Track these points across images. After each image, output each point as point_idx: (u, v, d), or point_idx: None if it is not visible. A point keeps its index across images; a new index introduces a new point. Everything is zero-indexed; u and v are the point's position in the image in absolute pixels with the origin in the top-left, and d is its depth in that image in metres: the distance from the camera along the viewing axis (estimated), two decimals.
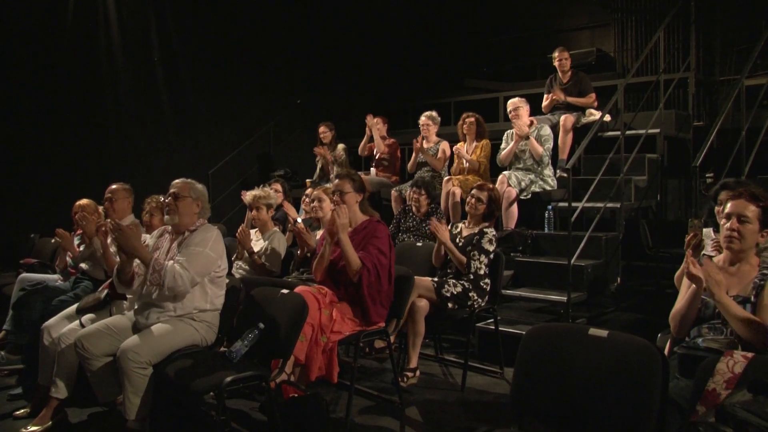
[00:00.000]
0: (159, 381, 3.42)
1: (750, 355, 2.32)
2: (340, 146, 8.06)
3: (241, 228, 5.19)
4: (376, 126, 7.68)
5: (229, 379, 3.13)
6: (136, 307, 3.76)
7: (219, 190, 8.70)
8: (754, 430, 1.81)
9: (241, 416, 4.03)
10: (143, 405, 3.35)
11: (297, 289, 3.83)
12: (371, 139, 7.83)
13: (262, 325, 3.43)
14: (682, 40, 8.63)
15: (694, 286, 2.81)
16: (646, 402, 2.32)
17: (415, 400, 4.30)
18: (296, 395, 3.71)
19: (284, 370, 3.61)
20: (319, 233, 4.76)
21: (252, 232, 5.36)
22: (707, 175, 6.61)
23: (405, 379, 4.48)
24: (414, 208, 6.00)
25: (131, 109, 8.49)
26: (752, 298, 2.79)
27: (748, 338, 2.71)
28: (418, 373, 4.59)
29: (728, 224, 2.87)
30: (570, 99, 6.87)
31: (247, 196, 5.38)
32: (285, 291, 3.65)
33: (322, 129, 8.20)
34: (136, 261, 3.63)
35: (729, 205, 2.90)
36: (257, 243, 5.26)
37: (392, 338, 4.43)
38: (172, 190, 3.80)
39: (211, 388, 3.18)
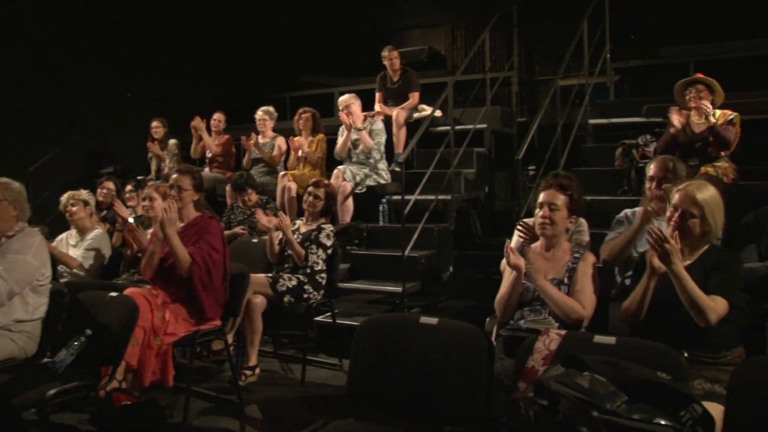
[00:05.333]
0: None
1: (563, 332, 2.52)
2: (172, 142, 7.80)
3: None
4: (202, 129, 7.47)
5: (52, 392, 2.92)
6: None
7: (41, 189, 8.06)
8: (565, 400, 1.96)
9: (69, 431, 3.78)
10: None
11: (127, 291, 3.66)
12: (201, 139, 7.63)
13: (89, 332, 3.21)
14: (507, 41, 9.11)
15: (515, 273, 3.02)
16: (474, 383, 2.44)
17: (255, 398, 4.26)
18: (129, 403, 3.54)
19: (115, 378, 3.44)
20: (150, 232, 4.58)
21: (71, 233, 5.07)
22: (530, 168, 7.04)
23: (244, 378, 4.41)
24: (242, 204, 6.00)
25: None
26: (566, 280, 3.04)
27: (563, 317, 2.94)
28: (257, 370, 4.53)
29: (541, 212, 3.12)
30: (394, 110, 7.00)
31: (64, 197, 5.10)
32: (114, 294, 3.47)
33: (154, 124, 7.89)
34: None
35: (541, 195, 3.16)
36: (77, 245, 4.99)
37: (229, 337, 4.36)
38: None
39: (32, 404, 2.94)
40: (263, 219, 4.85)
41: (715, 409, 2.14)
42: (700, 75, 5.08)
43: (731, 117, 4.80)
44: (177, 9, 9.90)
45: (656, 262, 2.71)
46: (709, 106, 4.76)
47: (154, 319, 3.67)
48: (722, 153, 4.76)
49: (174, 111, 8.47)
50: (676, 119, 4.85)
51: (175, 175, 4.12)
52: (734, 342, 2.76)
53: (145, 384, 3.61)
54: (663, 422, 1.89)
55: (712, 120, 4.70)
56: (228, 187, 6.82)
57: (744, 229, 3.71)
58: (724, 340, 2.72)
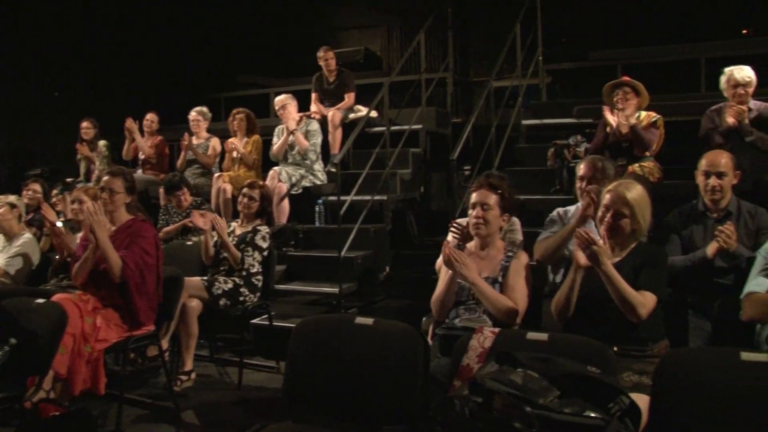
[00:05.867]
0: None
1: (497, 330, 2.56)
2: (102, 143, 7.59)
3: None
4: (135, 131, 7.30)
5: None
6: None
7: None
8: (499, 397, 1.99)
9: None
10: None
11: (55, 298, 3.54)
12: (134, 140, 7.45)
13: (13, 341, 3.08)
14: (442, 42, 9.21)
15: (450, 271, 3.06)
16: (410, 382, 2.46)
17: (191, 404, 4.19)
18: (57, 413, 3.42)
19: (42, 388, 3.33)
20: (79, 236, 4.45)
21: None
22: (465, 168, 7.13)
23: (179, 383, 4.33)
24: (176, 205, 5.90)
25: None
26: (500, 279, 3.10)
27: (497, 315, 2.99)
28: (193, 375, 4.46)
29: (474, 213, 3.17)
30: (330, 111, 7.00)
31: None
32: (41, 300, 3.36)
33: (84, 125, 7.66)
34: None
35: (473, 195, 3.20)
36: (3, 250, 4.81)
37: (164, 342, 4.27)
38: None
39: None
40: (199, 221, 4.78)
41: (642, 400, 2.22)
42: (626, 78, 5.23)
43: (655, 119, 4.97)
44: (108, 5, 9.64)
45: (580, 257, 2.79)
46: (632, 114, 4.92)
47: (84, 325, 3.56)
48: (646, 153, 4.93)
49: (105, 111, 8.23)
50: (611, 118, 4.98)
51: (106, 177, 4.01)
52: (660, 335, 2.86)
53: (75, 392, 3.51)
54: (593, 415, 1.94)
55: (633, 121, 4.86)
56: (161, 189, 6.69)
57: (666, 228, 3.85)
58: (651, 334, 2.82)
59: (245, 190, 4.95)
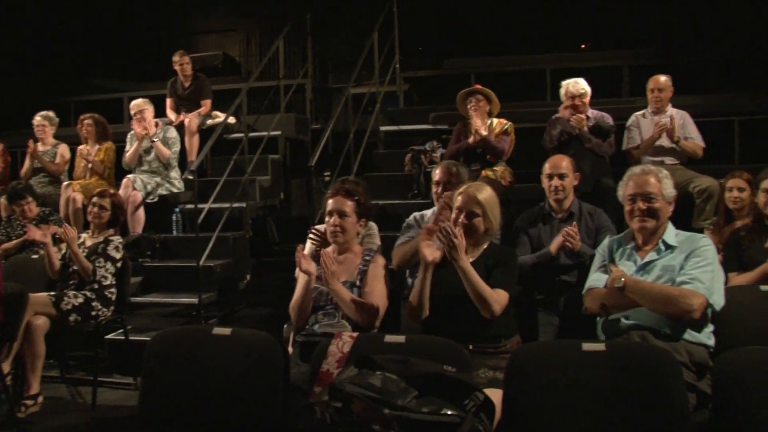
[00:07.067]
0: None
1: (355, 334, 2.59)
2: None
3: None
4: None
5: None
6: None
7: None
8: (357, 401, 2.00)
9: None
10: None
11: None
12: None
13: None
14: (301, 49, 9.20)
15: (306, 277, 3.06)
16: (270, 390, 2.44)
17: (38, 430, 3.90)
18: None
19: None
20: None
21: None
22: (325, 174, 7.15)
23: (24, 409, 4.02)
24: (20, 216, 5.50)
25: None
26: (358, 283, 3.13)
27: (356, 319, 3.02)
28: (40, 399, 4.15)
29: (331, 220, 3.18)
30: (186, 117, 6.82)
31: None
32: None
33: None
34: None
35: (329, 202, 3.22)
36: None
37: (5, 365, 3.96)
38: None
39: None
40: (36, 234, 4.51)
41: (496, 395, 2.30)
42: (478, 86, 5.46)
43: (506, 126, 5.23)
44: None
45: (428, 254, 2.88)
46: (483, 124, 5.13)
47: None
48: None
49: None
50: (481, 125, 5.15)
51: None
52: (512, 331, 3.00)
53: None
54: (450, 412, 2.00)
55: (483, 133, 5.08)
56: (2, 199, 6.22)
57: (516, 229, 4.05)
58: (503, 331, 2.94)
59: (95, 199, 4.72)
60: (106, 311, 4.46)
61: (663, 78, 5.39)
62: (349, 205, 3.18)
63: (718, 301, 2.69)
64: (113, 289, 4.54)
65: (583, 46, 9.73)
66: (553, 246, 3.69)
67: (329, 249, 3.28)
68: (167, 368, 2.59)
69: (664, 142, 5.21)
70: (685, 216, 4.75)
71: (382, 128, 7.18)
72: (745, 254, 3.58)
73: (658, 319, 2.69)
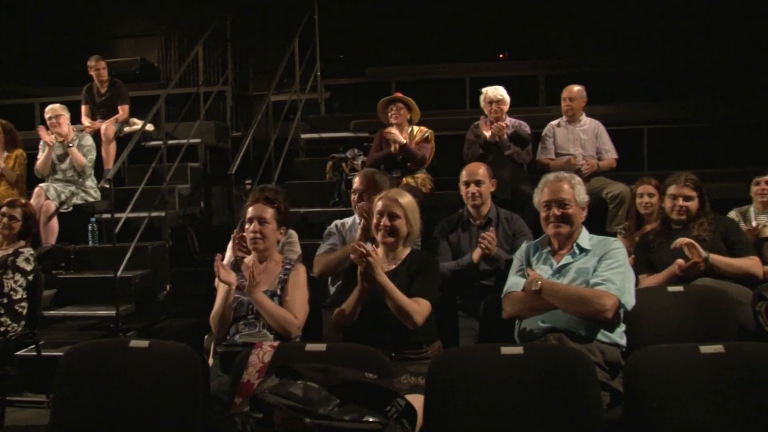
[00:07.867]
0: None
1: (276, 343, 2.57)
2: None
3: None
4: None
5: None
6: None
7: None
8: (279, 411, 2.00)
9: None
10: None
11: None
12: None
13: None
14: (221, 55, 9.09)
15: (226, 287, 3.03)
16: (189, 403, 2.40)
17: None
18: None
19: None
20: None
21: None
22: (246, 182, 7.08)
23: None
24: None
25: None
26: (278, 292, 3.11)
27: (277, 328, 3.01)
28: None
29: (251, 227, 3.16)
30: (102, 124, 6.62)
31: None
32: None
33: None
34: None
35: (250, 209, 3.20)
36: None
37: None
38: None
39: None
40: None
41: (418, 400, 2.33)
42: (399, 94, 5.53)
43: (426, 134, 5.31)
44: None
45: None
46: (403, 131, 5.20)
47: None
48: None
49: None
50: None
51: None
52: (433, 337, 3.04)
53: None
54: (372, 419, 2.02)
55: (402, 141, 5.15)
56: None
57: (436, 236, 4.11)
58: (425, 337, 2.98)
59: (5, 209, 4.56)
60: (17, 326, 4.31)
61: (576, 88, 5.57)
62: (269, 212, 3.17)
63: (630, 300, 2.80)
64: (24, 303, 4.39)
65: (501, 55, 9.98)
66: (475, 255, 3.75)
67: (250, 257, 3.26)
68: (81, 384, 2.51)
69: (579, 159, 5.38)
70: (599, 221, 4.92)
71: (303, 136, 7.18)
72: (654, 256, 3.72)
73: (573, 321, 2.78)
